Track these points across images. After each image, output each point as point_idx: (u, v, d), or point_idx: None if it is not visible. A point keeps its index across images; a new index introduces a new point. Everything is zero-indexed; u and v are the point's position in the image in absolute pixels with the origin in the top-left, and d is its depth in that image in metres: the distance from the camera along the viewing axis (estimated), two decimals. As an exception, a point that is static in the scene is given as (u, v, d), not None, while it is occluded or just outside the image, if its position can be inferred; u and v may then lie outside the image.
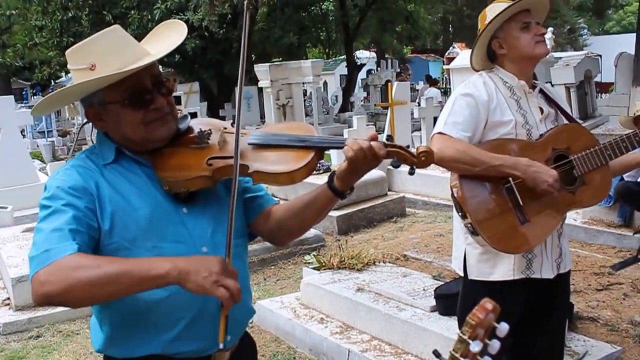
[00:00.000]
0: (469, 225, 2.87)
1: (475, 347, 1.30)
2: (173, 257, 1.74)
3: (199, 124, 2.04)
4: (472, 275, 3.04)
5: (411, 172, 1.91)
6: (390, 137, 1.95)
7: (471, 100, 2.92)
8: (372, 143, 1.86)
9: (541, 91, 3.08)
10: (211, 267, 1.69)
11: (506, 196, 2.86)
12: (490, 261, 2.97)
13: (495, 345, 1.31)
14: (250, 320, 2.22)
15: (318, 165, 1.98)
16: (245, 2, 1.87)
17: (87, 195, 1.85)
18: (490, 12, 2.99)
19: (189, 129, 2.03)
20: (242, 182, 2.08)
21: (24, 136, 15.19)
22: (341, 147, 1.92)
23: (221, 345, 1.77)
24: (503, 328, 1.31)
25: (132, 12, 19.14)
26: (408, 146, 1.92)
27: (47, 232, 1.76)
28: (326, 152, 2.02)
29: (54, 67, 26.10)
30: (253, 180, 1.97)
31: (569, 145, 2.96)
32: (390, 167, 1.91)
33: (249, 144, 1.97)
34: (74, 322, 5.77)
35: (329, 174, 2.01)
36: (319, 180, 2.20)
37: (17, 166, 9.41)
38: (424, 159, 1.89)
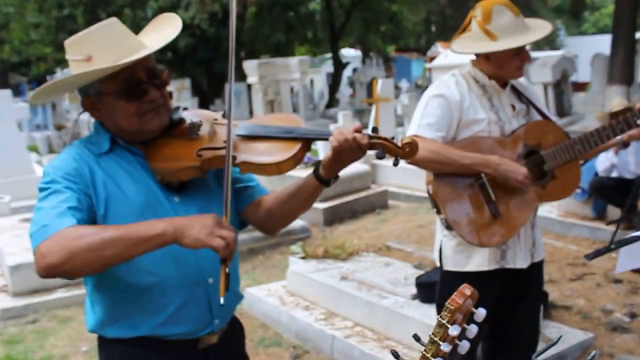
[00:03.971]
0: (444, 220, 2.93)
1: (453, 331, 1.36)
2: (168, 217, 1.78)
3: (190, 115, 2.06)
4: (447, 266, 3.07)
5: (395, 163, 1.91)
6: (375, 129, 1.94)
7: (443, 101, 2.95)
8: (356, 134, 1.88)
9: (512, 88, 3.09)
10: (205, 222, 1.73)
11: (479, 192, 2.91)
12: (465, 252, 3.00)
13: (473, 330, 1.38)
14: (240, 306, 2.24)
15: (307, 160, 2.05)
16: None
17: (82, 181, 1.88)
18: (500, 30, 2.89)
19: (181, 120, 2.04)
20: (234, 172, 2.07)
21: (21, 130, 15.12)
22: (327, 139, 1.95)
23: (222, 300, 1.76)
24: (481, 313, 1.38)
25: (126, 10, 19.15)
26: (393, 138, 1.92)
27: (46, 209, 1.78)
28: (314, 147, 2.07)
29: (50, 63, 25.87)
30: (240, 170, 1.97)
31: (539, 141, 3.00)
32: (375, 158, 2.00)
33: (237, 135, 1.99)
34: (69, 309, 5.82)
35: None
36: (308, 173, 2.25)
37: (14, 158, 9.44)
38: (408, 149, 1.89)
